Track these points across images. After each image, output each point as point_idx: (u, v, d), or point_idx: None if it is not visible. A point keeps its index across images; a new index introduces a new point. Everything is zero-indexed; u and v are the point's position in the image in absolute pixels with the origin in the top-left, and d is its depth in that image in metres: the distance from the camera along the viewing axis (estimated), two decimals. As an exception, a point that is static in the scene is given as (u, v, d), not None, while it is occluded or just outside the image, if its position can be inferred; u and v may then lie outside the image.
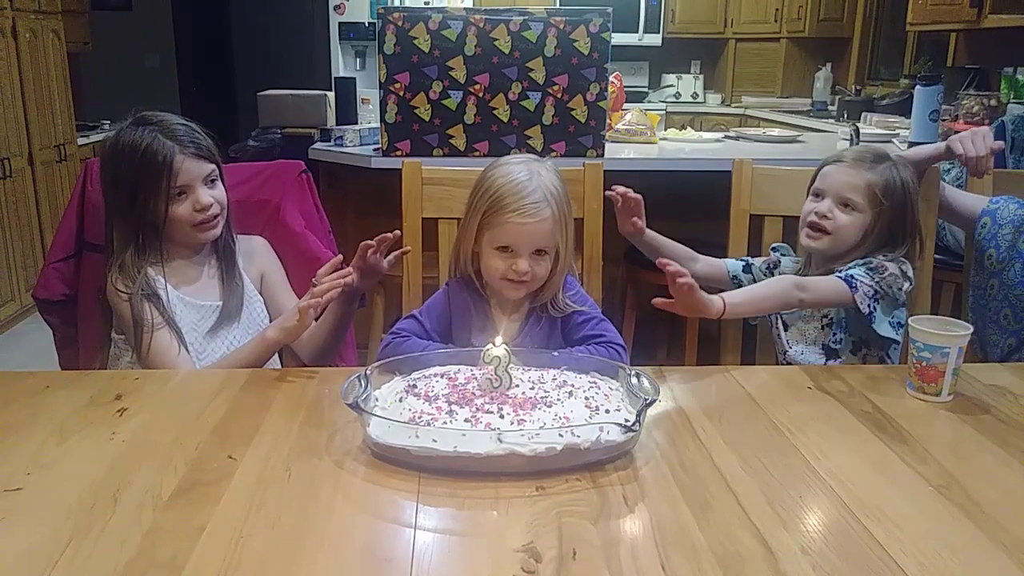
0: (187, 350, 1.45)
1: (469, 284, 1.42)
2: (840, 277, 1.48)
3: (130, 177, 1.43)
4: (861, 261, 1.51)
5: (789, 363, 1.59)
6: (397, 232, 1.50)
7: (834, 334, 1.58)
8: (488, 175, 1.37)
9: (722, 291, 1.70)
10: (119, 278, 1.44)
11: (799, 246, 1.64)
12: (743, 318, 1.68)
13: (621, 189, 1.62)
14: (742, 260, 1.73)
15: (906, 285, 1.51)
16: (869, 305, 1.47)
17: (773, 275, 1.68)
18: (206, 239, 1.51)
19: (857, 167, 1.54)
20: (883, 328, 1.50)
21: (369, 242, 1.46)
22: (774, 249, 1.74)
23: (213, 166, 1.49)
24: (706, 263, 1.73)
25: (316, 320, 1.59)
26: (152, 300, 1.44)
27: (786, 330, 1.64)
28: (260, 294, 1.62)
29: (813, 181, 1.62)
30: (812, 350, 1.60)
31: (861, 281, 1.47)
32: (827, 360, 1.57)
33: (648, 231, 1.67)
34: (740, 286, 1.69)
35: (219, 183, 1.50)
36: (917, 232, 1.58)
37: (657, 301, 1.35)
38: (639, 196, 1.63)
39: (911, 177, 1.56)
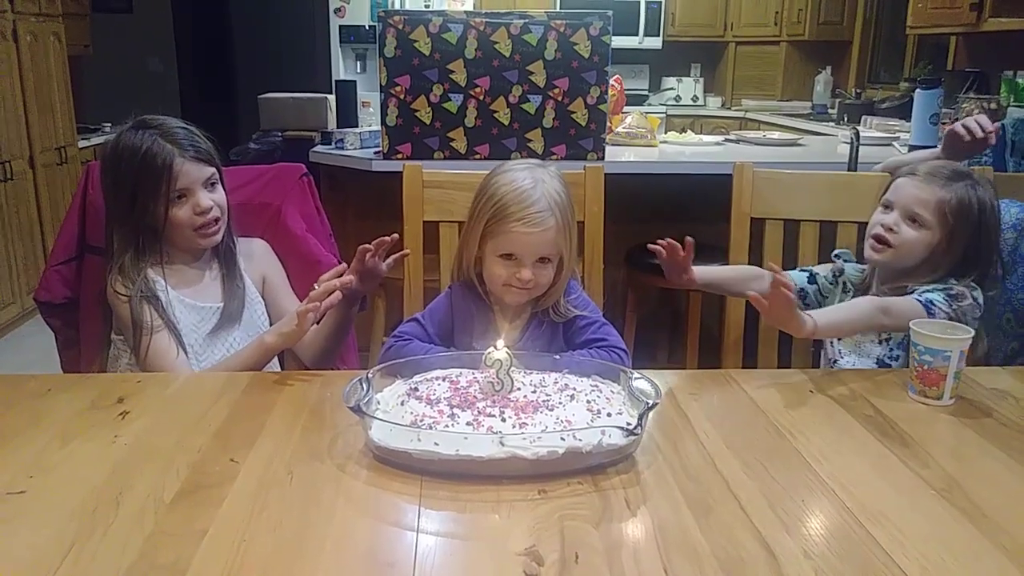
0: (185, 352, 1.45)
1: (471, 288, 1.42)
2: (919, 301, 1.42)
3: (130, 180, 1.43)
4: (942, 286, 1.44)
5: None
6: (395, 235, 1.50)
7: (891, 350, 1.53)
8: (492, 181, 1.36)
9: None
10: (119, 280, 1.45)
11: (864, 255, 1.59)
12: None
13: (664, 243, 1.55)
14: (805, 270, 1.69)
15: (978, 312, 1.45)
16: None
17: (839, 283, 1.64)
18: (207, 245, 1.51)
19: (930, 182, 1.48)
20: None
21: (367, 246, 1.46)
22: (836, 256, 1.68)
23: (213, 169, 1.49)
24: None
25: (316, 324, 1.59)
26: (151, 302, 1.44)
27: (839, 339, 1.59)
28: (261, 296, 1.62)
29: (885, 191, 1.56)
30: (865, 363, 1.55)
31: (939, 308, 1.41)
32: None
33: (700, 271, 1.61)
34: (806, 298, 1.66)
35: (219, 186, 1.51)
36: (994, 255, 1.51)
37: (752, 296, 1.30)
38: (690, 241, 1.55)
39: (991, 198, 1.49)
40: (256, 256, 1.64)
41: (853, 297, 1.61)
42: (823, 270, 1.68)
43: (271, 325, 1.59)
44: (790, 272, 1.68)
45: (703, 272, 1.64)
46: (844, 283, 1.65)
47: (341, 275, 1.41)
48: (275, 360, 1.60)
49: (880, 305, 1.43)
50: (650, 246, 1.59)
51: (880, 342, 1.56)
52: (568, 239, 1.35)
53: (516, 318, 1.42)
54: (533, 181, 1.33)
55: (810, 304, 1.66)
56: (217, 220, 1.49)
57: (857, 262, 1.67)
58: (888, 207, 1.53)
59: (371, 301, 2.49)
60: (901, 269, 1.52)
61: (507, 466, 0.97)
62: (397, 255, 1.54)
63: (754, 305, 1.31)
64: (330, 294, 1.35)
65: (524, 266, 1.33)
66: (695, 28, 5.84)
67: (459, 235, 1.57)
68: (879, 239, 1.51)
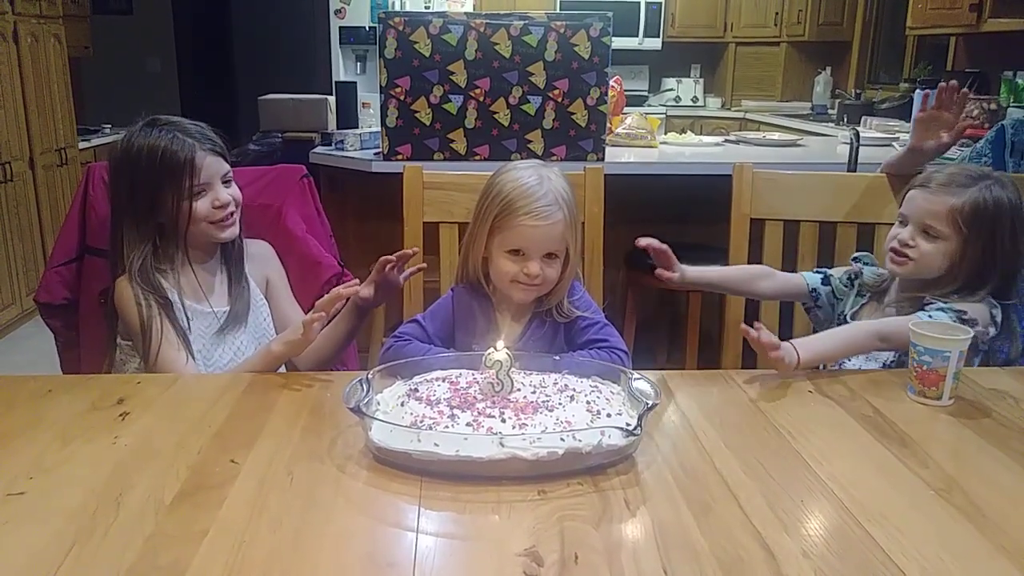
0: (194, 358, 1.44)
1: (475, 289, 1.42)
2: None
3: (150, 179, 1.42)
4: (957, 309, 1.39)
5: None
6: (416, 248, 1.50)
7: (898, 355, 1.50)
8: (496, 181, 1.37)
9: (804, 304, 1.68)
10: (129, 284, 1.43)
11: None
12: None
13: (645, 241, 1.56)
14: (819, 271, 1.67)
15: (991, 331, 1.42)
16: None
17: (853, 286, 1.62)
18: (225, 237, 1.49)
19: (940, 192, 1.45)
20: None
21: (389, 257, 1.45)
22: (855, 259, 1.66)
23: (228, 165, 1.49)
24: (782, 279, 1.68)
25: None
26: (162, 307, 1.43)
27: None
28: (265, 298, 1.62)
29: (901, 202, 1.54)
30: (870, 365, 1.53)
31: None
32: None
33: (689, 271, 1.61)
34: (818, 299, 1.65)
35: (233, 183, 1.51)
36: (1013, 260, 1.45)
37: (744, 327, 1.34)
38: (667, 250, 1.57)
39: (1013, 196, 1.44)
40: (260, 258, 1.64)
41: (867, 301, 1.60)
42: (838, 272, 1.66)
43: (275, 327, 1.60)
44: (803, 273, 1.68)
45: (703, 272, 1.63)
46: (859, 286, 1.62)
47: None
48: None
49: (876, 332, 1.42)
50: (639, 242, 1.57)
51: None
52: (574, 235, 1.36)
53: (518, 317, 1.42)
54: (539, 178, 1.34)
55: (821, 305, 1.65)
56: (233, 214, 1.49)
57: (877, 265, 1.64)
58: (903, 221, 1.51)
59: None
60: (920, 280, 1.50)
61: (507, 467, 0.97)
62: (413, 269, 1.53)
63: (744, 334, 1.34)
64: (336, 302, 1.35)
65: (532, 260, 1.33)
66: (695, 29, 5.84)
67: (459, 236, 1.57)
68: (898, 252, 1.49)
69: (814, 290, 1.65)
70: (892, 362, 1.50)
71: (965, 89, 1.76)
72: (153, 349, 1.41)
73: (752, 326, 1.34)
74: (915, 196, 1.50)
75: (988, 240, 1.44)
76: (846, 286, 1.64)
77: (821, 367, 1.52)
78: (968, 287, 1.45)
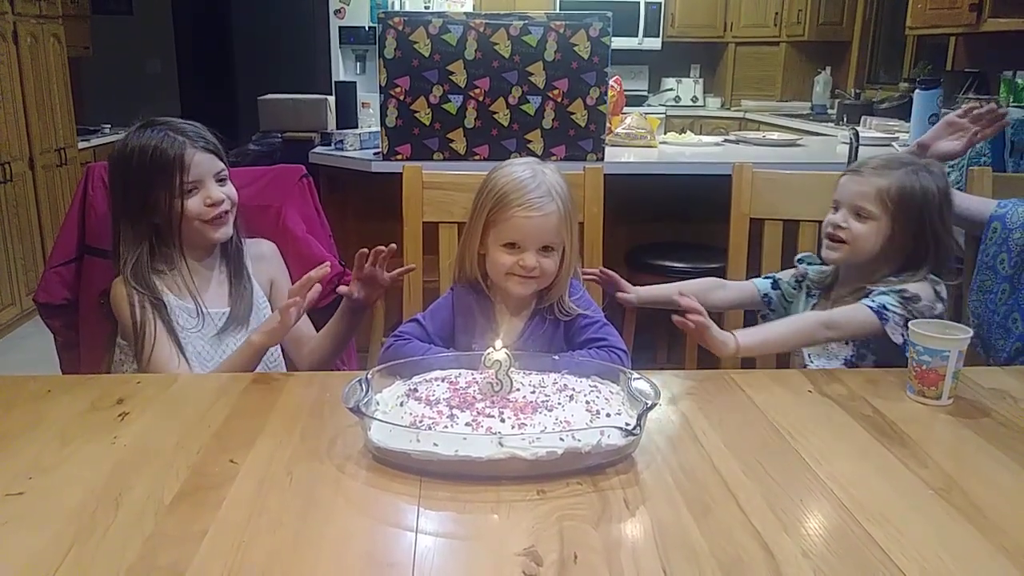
0: (187, 361, 1.44)
1: (474, 287, 1.42)
2: (871, 307, 1.43)
3: (142, 178, 1.43)
4: (896, 288, 1.44)
5: None
6: (393, 245, 1.50)
7: (857, 349, 1.53)
8: (491, 177, 1.38)
9: (758, 312, 1.71)
10: (124, 285, 1.44)
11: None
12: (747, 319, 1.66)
13: (589, 271, 1.62)
14: (768, 277, 1.70)
15: (939, 307, 1.45)
16: (902, 334, 1.40)
17: (802, 287, 1.65)
18: (218, 238, 1.49)
19: (868, 174, 1.51)
20: None
21: (363, 250, 1.46)
22: (799, 260, 1.70)
23: (223, 164, 1.49)
24: (735, 288, 1.72)
25: (317, 331, 1.59)
26: (156, 308, 1.43)
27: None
28: (268, 300, 1.62)
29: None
30: (833, 364, 1.55)
31: (893, 311, 1.41)
32: None
33: (643, 291, 1.66)
34: (771, 304, 1.67)
35: (228, 182, 1.50)
36: (949, 242, 1.50)
37: (676, 319, 1.36)
38: (609, 272, 1.65)
39: (938, 183, 1.49)
40: (265, 259, 1.64)
41: (817, 300, 1.62)
42: (786, 275, 1.70)
43: None
44: (754, 280, 1.72)
45: (655, 290, 1.67)
46: (807, 286, 1.66)
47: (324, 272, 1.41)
48: (280, 362, 1.60)
49: (821, 321, 1.46)
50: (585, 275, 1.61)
51: (846, 343, 1.55)
52: (569, 230, 1.37)
53: (518, 314, 1.42)
54: (532, 172, 1.35)
55: (775, 309, 1.68)
56: (227, 213, 1.48)
57: (821, 264, 1.67)
58: (836, 207, 1.55)
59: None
60: (860, 266, 1.53)
61: (506, 467, 0.97)
62: (401, 270, 1.53)
63: (681, 327, 1.37)
64: (310, 287, 1.36)
65: (527, 251, 1.33)
66: (695, 29, 5.85)
67: (459, 236, 1.57)
68: (832, 237, 1.54)
69: (766, 295, 1.69)
70: (852, 356, 1.53)
71: (1005, 116, 1.79)
72: (146, 350, 1.41)
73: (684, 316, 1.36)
74: (846, 181, 1.55)
75: (917, 221, 1.48)
76: (795, 288, 1.67)
77: (802, 356, 1.54)
78: (903, 270, 1.49)
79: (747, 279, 1.76)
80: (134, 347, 1.43)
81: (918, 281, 1.46)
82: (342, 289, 1.49)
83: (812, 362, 1.58)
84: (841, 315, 1.46)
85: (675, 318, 1.37)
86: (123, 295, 1.44)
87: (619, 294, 1.65)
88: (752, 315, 1.82)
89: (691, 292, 1.66)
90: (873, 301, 1.44)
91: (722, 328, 1.43)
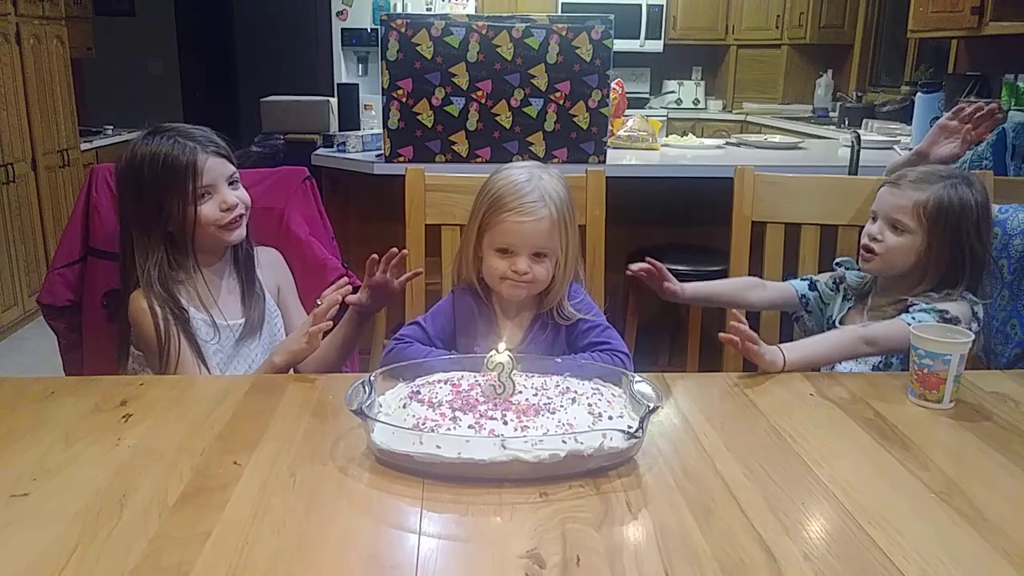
0: (209, 371, 1.44)
1: (474, 290, 1.43)
2: (909, 324, 1.40)
3: (155, 186, 1.41)
4: (939, 309, 1.42)
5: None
6: (406, 251, 1.50)
7: (885, 357, 1.52)
8: (490, 180, 1.38)
9: (794, 314, 1.70)
10: (144, 296, 1.42)
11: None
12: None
13: (636, 266, 1.61)
14: (806, 279, 1.70)
15: (974, 327, 1.43)
16: None
17: (839, 290, 1.65)
18: (233, 240, 1.48)
19: (906, 187, 1.49)
20: None
21: (374, 256, 1.45)
22: (838, 264, 1.69)
23: (234, 168, 1.49)
24: (773, 289, 1.71)
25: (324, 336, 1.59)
26: (178, 320, 1.42)
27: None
28: (277, 307, 1.62)
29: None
30: (862, 368, 1.55)
31: None
32: None
33: (688, 287, 1.64)
34: (808, 305, 1.67)
35: (240, 185, 1.50)
36: (979, 256, 1.47)
37: (723, 336, 1.36)
38: (657, 263, 1.61)
39: (975, 196, 1.46)
40: (272, 266, 1.63)
41: (853, 303, 1.62)
42: (823, 278, 1.69)
43: (286, 335, 1.59)
44: (792, 281, 1.71)
45: (696, 288, 1.66)
46: (845, 290, 1.65)
47: (342, 287, 1.41)
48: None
49: (863, 337, 1.45)
50: (628, 272, 1.61)
51: None
52: (564, 236, 1.36)
53: (518, 320, 1.43)
54: (529, 176, 1.35)
55: (812, 311, 1.67)
56: (241, 216, 1.48)
57: (859, 269, 1.66)
58: (874, 217, 1.55)
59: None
60: (899, 278, 1.52)
61: (509, 469, 0.97)
62: (409, 275, 1.52)
63: (724, 343, 1.36)
64: (333, 307, 1.35)
65: (519, 256, 1.33)
66: (696, 31, 5.85)
67: (460, 238, 1.57)
68: (866, 248, 1.53)
69: (803, 296, 1.68)
70: (880, 363, 1.53)
71: (996, 113, 1.79)
72: (172, 363, 1.40)
73: (730, 331, 1.35)
74: (884, 192, 1.54)
75: (954, 237, 1.46)
76: (832, 290, 1.66)
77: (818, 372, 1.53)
78: (942, 286, 1.48)
79: (783, 280, 1.75)
80: (158, 360, 1.41)
81: (956, 301, 1.45)
82: (351, 299, 1.46)
83: (841, 364, 1.56)
84: (882, 331, 1.45)
85: (721, 336, 1.36)
86: (143, 308, 1.41)
87: (666, 284, 1.62)
88: (788, 315, 1.81)
89: (730, 290, 1.67)
90: (914, 318, 1.42)
91: (756, 331, 1.42)
